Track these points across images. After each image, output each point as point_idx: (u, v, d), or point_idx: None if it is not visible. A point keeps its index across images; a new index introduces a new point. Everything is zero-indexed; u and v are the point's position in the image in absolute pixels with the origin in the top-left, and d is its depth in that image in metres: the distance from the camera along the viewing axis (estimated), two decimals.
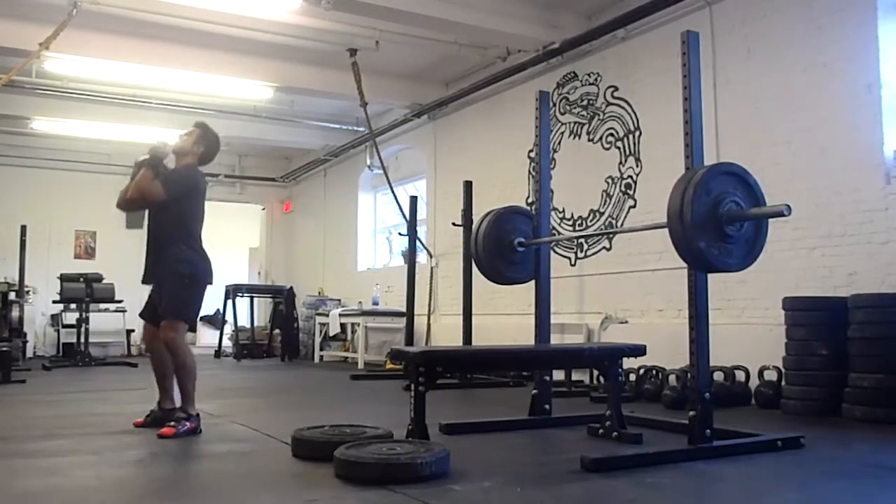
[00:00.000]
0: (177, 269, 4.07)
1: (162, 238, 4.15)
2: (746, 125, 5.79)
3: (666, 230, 3.21)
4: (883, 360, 4.38)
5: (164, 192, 4.08)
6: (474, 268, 4.79)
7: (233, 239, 14.51)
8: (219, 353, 11.33)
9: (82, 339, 9.58)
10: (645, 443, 3.66)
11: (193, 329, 4.19)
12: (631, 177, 6.84)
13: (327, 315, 10.31)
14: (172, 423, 3.92)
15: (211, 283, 4.24)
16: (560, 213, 7.59)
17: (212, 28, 7.60)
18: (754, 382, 5.20)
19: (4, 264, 10.64)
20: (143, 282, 4.30)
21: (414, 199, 7.81)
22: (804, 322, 4.79)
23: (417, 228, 8.04)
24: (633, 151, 6.84)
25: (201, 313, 4.39)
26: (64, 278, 9.79)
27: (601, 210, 7.15)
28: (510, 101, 8.39)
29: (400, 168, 10.85)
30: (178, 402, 4.15)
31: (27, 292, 10.02)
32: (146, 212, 4.35)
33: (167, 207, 4.12)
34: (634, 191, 6.79)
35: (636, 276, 6.61)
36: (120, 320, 11.78)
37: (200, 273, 4.16)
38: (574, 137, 7.55)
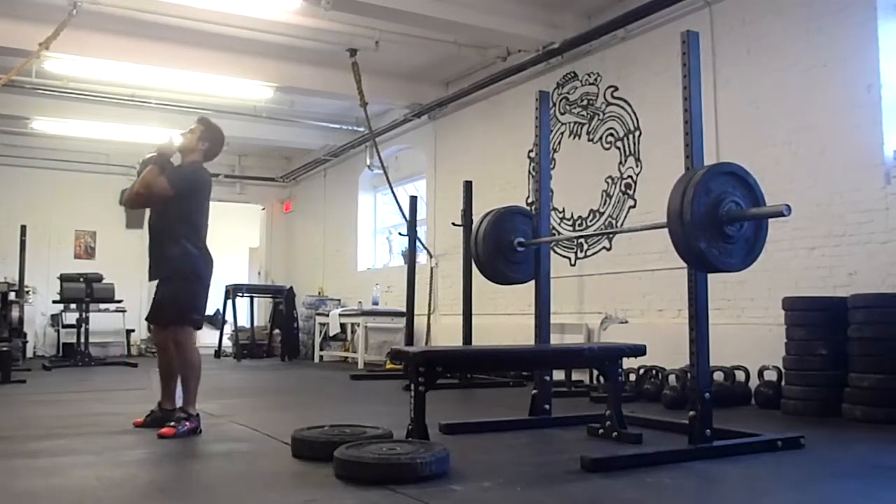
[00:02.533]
0: (179, 267, 4.07)
1: (166, 234, 4.15)
2: (746, 125, 5.79)
3: (666, 230, 3.21)
4: (883, 360, 4.38)
5: (171, 188, 4.09)
6: (474, 268, 4.79)
7: (233, 239, 14.49)
8: (219, 353, 11.33)
9: (82, 339, 9.58)
10: (645, 443, 3.66)
11: (199, 327, 4.19)
12: (631, 177, 6.84)
13: (327, 315, 10.31)
14: (172, 423, 3.92)
15: (209, 281, 4.24)
16: (560, 213, 7.59)
17: (212, 28, 7.59)
18: (754, 382, 5.20)
19: (4, 264, 10.64)
20: (151, 279, 4.30)
21: (414, 199, 7.81)
22: (804, 322, 4.79)
23: (417, 228, 8.04)
24: (633, 151, 6.84)
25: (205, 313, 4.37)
26: (64, 278, 9.79)
27: (601, 210, 7.15)
28: (510, 101, 8.39)
29: (400, 168, 10.85)
30: (178, 403, 4.15)
31: (27, 292, 10.02)
32: (146, 211, 4.35)
33: (172, 204, 4.12)
34: (634, 191, 6.79)
35: (636, 276, 6.61)
36: (120, 320, 11.78)
37: (202, 270, 4.16)
38: (574, 137, 7.55)
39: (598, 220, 7.18)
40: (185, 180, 4.18)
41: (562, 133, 7.68)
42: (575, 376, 6.54)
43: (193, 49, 8.19)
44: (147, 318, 4.39)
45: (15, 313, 8.75)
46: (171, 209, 4.14)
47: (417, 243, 8.39)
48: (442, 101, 9.36)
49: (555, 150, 7.63)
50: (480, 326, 7.36)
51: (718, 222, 3.17)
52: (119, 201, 4.49)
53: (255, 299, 12.77)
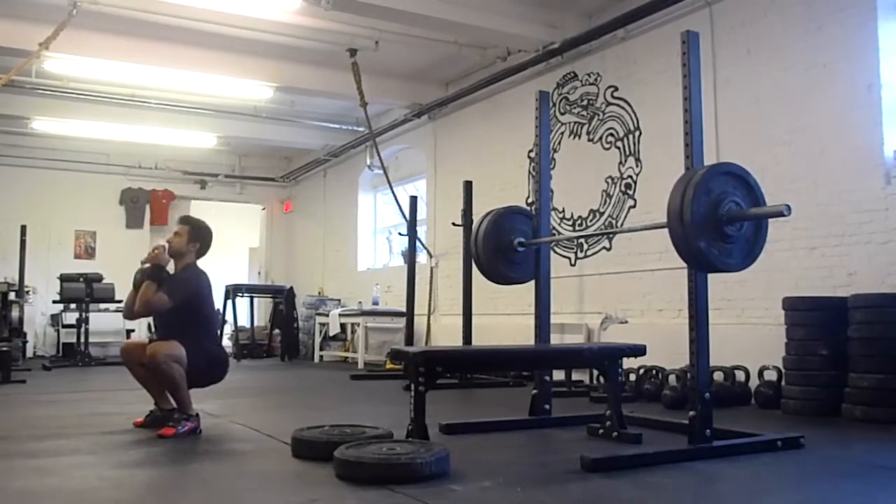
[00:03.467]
0: (198, 346, 4.06)
1: (178, 336, 4.06)
2: (746, 125, 5.79)
3: (666, 230, 3.21)
4: (883, 360, 4.38)
5: (169, 300, 4.06)
6: (474, 268, 4.79)
7: (233, 239, 14.49)
8: None
9: (82, 339, 9.58)
10: (645, 443, 3.65)
11: (190, 383, 4.03)
12: (631, 177, 6.84)
13: (327, 315, 10.31)
14: (172, 423, 3.92)
15: (223, 375, 4.26)
16: (560, 213, 7.59)
17: (212, 28, 7.59)
18: (754, 382, 5.20)
19: (4, 264, 10.64)
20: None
21: (414, 199, 7.81)
22: (804, 322, 4.79)
23: (417, 228, 8.04)
24: (633, 151, 6.84)
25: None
26: (64, 278, 9.79)
27: (601, 210, 7.15)
28: (510, 101, 8.39)
29: (400, 168, 10.85)
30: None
31: (27, 292, 10.01)
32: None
33: (176, 312, 4.10)
34: (634, 191, 6.79)
35: (636, 276, 6.61)
36: (120, 320, 11.73)
37: (221, 359, 4.23)
38: (574, 137, 7.55)
39: (598, 220, 7.18)
40: (182, 289, 4.15)
41: (562, 133, 7.69)
42: (575, 376, 6.54)
43: (193, 49, 8.20)
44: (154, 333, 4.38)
45: (15, 313, 8.75)
46: (177, 316, 4.12)
47: (417, 243, 8.39)
48: (442, 101, 9.37)
49: (555, 150, 7.63)
50: (480, 326, 7.36)
51: (718, 222, 3.17)
52: (123, 315, 4.48)
53: (255, 299, 12.78)
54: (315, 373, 8.90)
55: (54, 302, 10.30)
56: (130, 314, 4.30)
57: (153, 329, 4.36)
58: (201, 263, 4.36)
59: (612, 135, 7.09)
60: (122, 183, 12.83)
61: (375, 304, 9.96)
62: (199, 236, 4.33)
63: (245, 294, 12.04)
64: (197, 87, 9.20)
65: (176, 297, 4.08)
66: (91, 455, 3.44)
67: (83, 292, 9.65)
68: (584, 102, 7.44)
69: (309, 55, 8.46)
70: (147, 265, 4.18)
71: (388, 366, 8.37)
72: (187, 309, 4.12)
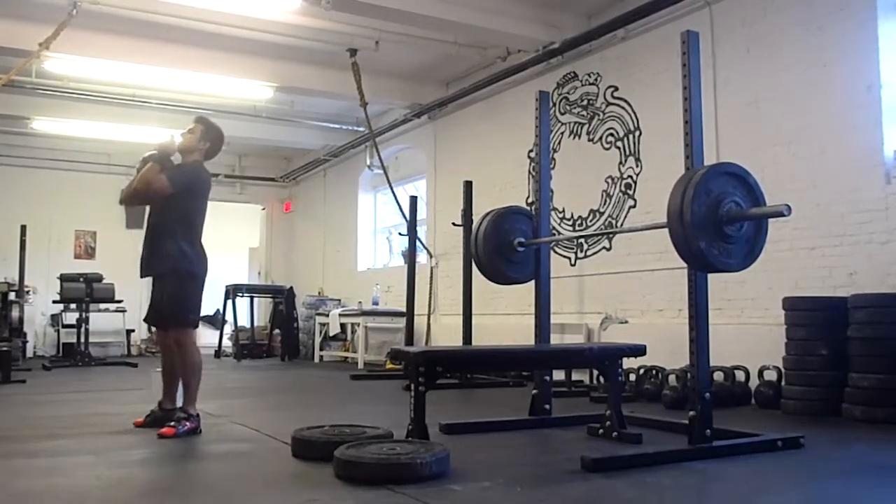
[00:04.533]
0: (174, 265, 4.08)
1: (162, 231, 4.14)
2: (746, 125, 5.79)
3: (666, 230, 3.21)
4: (883, 360, 4.38)
5: (170, 185, 4.08)
6: (474, 268, 4.79)
7: (233, 239, 14.49)
8: (219, 353, 11.33)
9: (82, 339, 9.58)
10: (645, 443, 3.65)
11: (196, 326, 4.19)
12: (631, 177, 6.84)
13: (327, 315, 10.31)
14: (172, 423, 3.92)
15: (204, 279, 4.24)
16: (560, 213, 7.59)
17: (212, 28, 7.59)
18: (754, 382, 5.20)
19: (4, 264, 10.64)
20: (143, 275, 4.30)
21: (414, 199, 7.81)
22: (804, 322, 4.79)
23: (417, 228, 8.04)
24: (633, 151, 6.84)
25: (202, 312, 4.37)
26: (64, 278, 9.79)
27: (601, 210, 7.15)
28: (510, 101, 8.39)
29: (400, 168, 10.85)
30: (179, 403, 4.15)
31: (27, 292, 10.01)
32: (147, 210, 4.34)
33: (171, 202, 4.11)
34: (634, 191, 6.79)
35: (636, 276, 6.61)
36: (120, 320, 11.79)
37: (197, 269, 4.16)
38: (574, 137, 7.55)
39: (598, 220, 7.18)
40: (185, 179, 4.18)
41: (562, 133, 7.69)
42: (575, 376, 6.53)
43: (193, 49, 8.20)
44: (145, 320, 4.40)
45: (15, 313, 8.75)
46: (170, 207, 4.14)
47: (417, 243, 8.39)
48: (442, 101, 9.37)
49: (555, 150, 7.63)
50: (480, 326, 7.36)
51: (718, 222, 3.17)
52: (119, 200, 4.47)
53: (255, 299, 12.77)
54: (315, 373, 8.90)
55: (54, 302, 10.30)
56: (127, 195, 4.30)
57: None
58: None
59: (612, 135, 7.09)
60: (123, 183, 12.60)
61: (375, 304, 9.96)
62: (211, 136, 4.36)
63: (245, 294, 12.04)
64: (197, 87, 9.20)
65: (177, 186, 4.09)
66: (91, 455, 3.44)
67: (83, 292, 9.65)
68: (584, 102, 7.44)
69: (309, 55, 8.46)
70: (154, 152, 4.17)
71: (388, 366, 8.37)
72: (182, 203, 4.11)
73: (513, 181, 8.20)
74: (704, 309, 3.51)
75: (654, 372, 5.62)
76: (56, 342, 11.75)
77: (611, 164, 7.05)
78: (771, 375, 5.08)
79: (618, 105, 7.04)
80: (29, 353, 10.79)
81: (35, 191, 12.00)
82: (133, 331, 12.18)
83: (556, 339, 5.88)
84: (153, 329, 4.56)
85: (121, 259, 11.00)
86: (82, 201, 12.36)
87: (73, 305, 10.11)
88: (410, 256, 8.03)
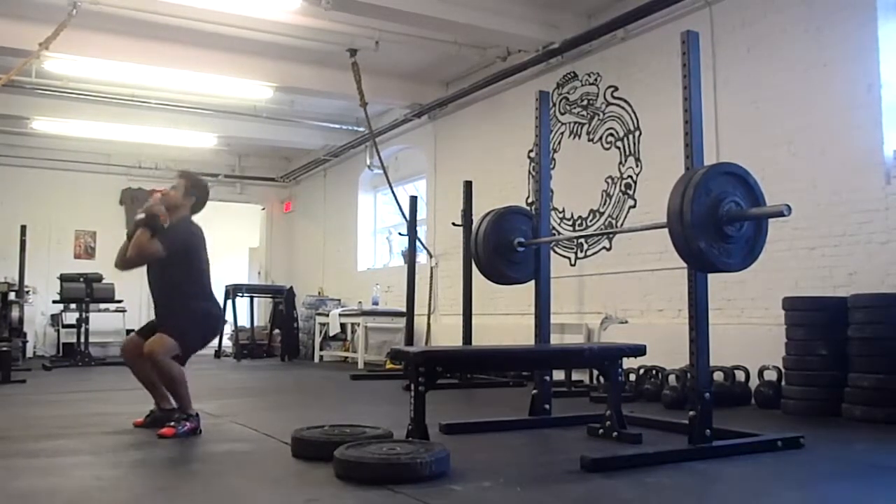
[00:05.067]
0: (191, 306, 4.07)
1: (175, 294, 4.09)
2: (746, 125, 5.79)
3: (666, 230, 3.21)
4: (883, 360, 4.38)
5: (163, 249, 4.06)
6: (474, 268, 4.79)
7: (233, 239, 14.50)
8: (219, 353, 11.33)
9: (82, 339, 9.58)
10: (645, 443, 3.65)
11: (183, 357, 4.05)
12: (631, 177, 6.84)
13: (327, 315, 10.31)
14: (172, 423, 3.92)
15: (217, 332, 4.29)
16: (560, 213, 7.59)
17: (212, 28, 7.60)
18: (754, 382, 5.20)
19: (4, 264, 10.62)
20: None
21: (414, 199, 7.81)
22: (804, 322, 4.78)
23: (417, 228, 8.04)
24: (633, 151, 6.84)
25: (189, 352, 4.21)
26: (64, 278, 9.79)
27: (601, 210, 7.15)
28: (510, 101, 8.39)
29: (400, 168, 10.85)
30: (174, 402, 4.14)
31: (27, 292, 10.00)
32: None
33: (172, 264, 4.10)
34: (634, 191, 6.79)
35: (636, 276, 6.61)
36: (120, 320, 11.77)
37: (215, 316, 4.25)
38: (574, 137, 7.55)
39: (598, 220, 7.18)
40: (176, 240, 4.14)
41: (562, 133, 7.69)
42: (575, 376, 6.54)
43: (193, 49, 8.20)
44: (136, 331, 4.33)
45: (15, 313, 8.74)
46: (171, 269, 4.11)
47: (417, 243, 8.39)
48: (442, 101, 9.37)
49: (555, 150, 7.63)
50: (480, 326, 7.36)
51: (718, 222, 3.17)
52: (114, 264, 4.46)
53: (255, 299, 12.78)
54: (315, 373, 8.90)
55: (54, 302, 10.30)
56: (122, 262, 4.27)
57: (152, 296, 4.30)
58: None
59: (612, 135, 7.09)
60: (123, 183, 12.83)
61: (375, 304, 9.96)
62: (196, 190, 4.35)
63: (245, 294, 12.05)
64: (197, 87, 9.20)
65: (170, 248, 4.07)
66: (91, 455, 3.44)
67: (83, 292, 9.65)
68: (584, 102, 7.44)
69: (309, 55, 8.47)
70: (142, 215, 4.16)
71: (388, 366, 8.37)
72: (179, 262, 4.10)
73: (513, 181, 8.20)
74: (704, 309, 3.50)
75: (654, 372, 5.62)
76: (56, 342, 11.75)
77: (611, 164, 7.05)
78: (771, 375, 5.08)
79: (618, 105, 7.04)
80: (29, 353, 10.79)
81: (35, 191, 12.00)
82: (133, 331, 12.13)
83: (556, 339, 5.88)
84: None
85: None
86: (82, 201, 12.37)
87: (73, 305, 10.10)
88: (410, 256, 8.03)
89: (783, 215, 3.15)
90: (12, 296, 8.72)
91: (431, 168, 9.88)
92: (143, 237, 4.07)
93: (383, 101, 9.66)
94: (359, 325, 9.56)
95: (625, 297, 6.72)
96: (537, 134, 4.67)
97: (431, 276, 9.43)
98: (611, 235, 6.99)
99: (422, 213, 8.77)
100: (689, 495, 2.83)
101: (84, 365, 9.29)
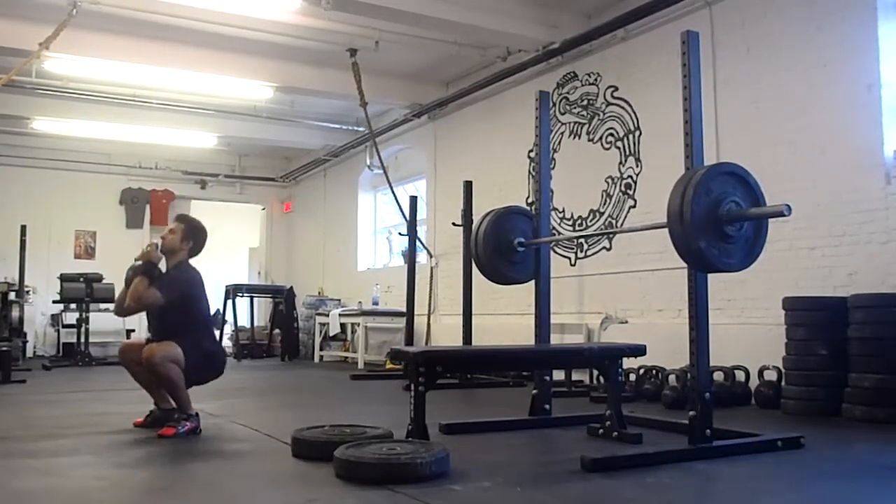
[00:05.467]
0: (193, 346, 4.05)
1: (171, 337, 4.05)
2: (746, 125, 5.79)
3: (666, 230, 3.21)
4: (883, 360, 4.38)
5: (161, 296, 4.05)
6: (474, 268, 4.79)
7: (233, 239, 14.51)
8: None
9: (82, 339, 9.58)
10: (645, 443, 3.65)
11: (186, 383, 4.03)
12: (631, 177, 6.84)
13: (327, 315, 10.31)
14: (172, 423, 3.92)
15: (221, 371, 4.27)
16: (560, 213, 7.59)
17: (212, 28, 7.60)
18: (754, 382, 5.20)
19: (4, 264, 10.63)
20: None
21: (414, 199, 7.81)
22: (804, 322, 4.78)
23: (417, 228, 8.04)
24: (633, 151, 6.84)
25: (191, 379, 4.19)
26: (64, 278, 9.79)
27: (601, 210, 7.15)
28: (510, 101, 8.39)
29: (400, 168, 10.85)
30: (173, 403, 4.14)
31: (27, 292, 10.01)
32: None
33: (169, 309, 4.09)
34: (634, 191, 6.79)
35: (636, 276, 6.61)
36: (120, 320, 11.74)
37: (219, 355, 4.26)
38: (574, 137, 7.55)
39: (598, 220, 7.18)
40: (174, 286, 4.13)
41: (562, 133, 7.68)
42: (575, 376, 6.54)
43: (193, 49, 8.20)
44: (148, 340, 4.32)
45: (15, 313, 8.75)
46: (170, 314, 4.10)
47: (417, 243, 8.39)
48: (442, 101, 9.36)
49: (555, 150, 7.63)
50: (480, 326, 7.36)
51: (718, 222, 3.17)
52: (114, 312, 4.46)
53: (255, 299, 12.77)
54: (315, 373, 8.90)
55: (54, 302, 10.29)
56: (121, 310, 4.29)
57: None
58: (198, 262, 4.35)
59: (612, 135, 7.09)
60: (123, 183, 12.83)
61: (375, 304, 9.96)
62: (194, 235, 4.32)
63: (245, 294, 12.04)
64: (197, 87, 9.19)
65: (167, 294, 4.07)
66: (91, 455, 3.44)
67: (83, 292, 9.65)
68: (584, 102, 7.44)
69: (309, 55, 8.46)
70: (139, 262, 4.16)
71: (388, 366, 8.37)
72: (179, 307, 4.10)
73: (513, 181, 8.20)
74: (704, 309, 3.51)
75: (654, 372, 5.62)
76: (56, 342, 11.74)
77: (611, 164, 7.05)
78: (771, 375, 5.08)
79: (618, 105, 7.04)
80: (29, 353, 10.79)
81: (35, 191, 11.99)
82: (133, 331, 12.14)
83: (556, 339, 5.88)
84: (145, 335, 4.48)
85: (121, 259, 10.98)
86: (82, 201, 12.36)
87: (73, 305, 10.10)
88: (410, 256, 8.03)
89: (783, 215, 3.15)
90: (12, 296, 8.74)
91: (431, 168, 9.88)
92: (140, 286, 4.07)
93: (383, 101, 9.65)
94: (359, 325, 9.56)
95: (625, 297, 6.72)
96: (537, 134, 4.67)
97: (431, 276, 9.43)
98: (611, 235, 6.99)
99: (422, 213, 8.77)
100: (690, 495, 2.83)
101: (84, 365, 9.30)
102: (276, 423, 4.26)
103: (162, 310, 4.11)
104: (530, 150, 7.78)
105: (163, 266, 4.26)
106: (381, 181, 10.20)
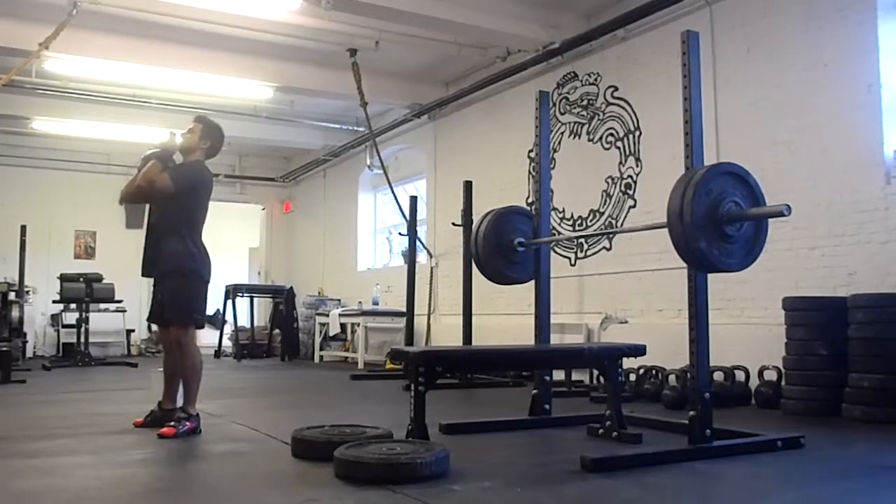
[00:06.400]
0: (179, 264, 4.07)
1: (164, 231, 4.14)
2: (746, 125, 5.79)
3: (666, 230, 3.21)
4: (883, 360, 4.38)
5: (174, 185, 4.07)
6: (474, 268, 4.79)
7: (233, 239, 14.49)
8: (219, 353, 11.33)
9: (82, 339, 9.58)
10: (645, 443, 3.66)
11: (201, 326, 4.18)
12: (631, 177, 6.84)
13: (327, 315, 10.31)
14: (172, 423, 3.92)
15: (209, 280, 4.23)
16: (560, 213, 7.59)
17: (212, 28, 7.60)
18: (754, 382, 5.20)
19: (4, 264, 10.64)
20: (143, 274, 4.30)
21: (414, 199, 7.81)
22: (804, 322, 4.78)
23: (417, 228, 8.04)
24: (633, 151, 6.84)
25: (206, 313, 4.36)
26: (64, 278, 9.78)
27: (601, 210, 7.15)
28: (510, 101, 8.39)
29: (400, 168, 10.85)
30: (179, 403, 4.15)
31: (27, 292, 10.01)
32: (147, 208, 4.34)
33: (173, 201, 4.10)
34: (634, 191, 6.79)
35: (636, 276, 6.61)
36: (120, 320, 11.79)
37: (203, 269, 4.16)
38: (574, 137, 7.55)
39: (598, 220, 7.18)
40: (187, 178, 4.17)
41: (562, 133, 7.68)
42: (575, 376, 6.53)
43: (193, 49, 8.20)
44: (148, 319, 4.40)
45: (15, 313, 8.75)
46: (172, 207, 4.13)
47: (417, 243, 8.39)
48: (442, 101, 9.37)
49: (555, 150, 7.63)
50: (480, 326, 7.36)
51: (718, 222, 3.17)
52: (119, 199, 4.46)
53: (255, 299, 12.77)
54: (315, 373, 8.91)
55: (54, 302, 10.29)
56: (130, 194, 4.29)
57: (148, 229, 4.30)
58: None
59: (612, 135, 7.09)
60: (122, 183, 12.70)
61: (375, 304, 9.96)
62: (212, 135, 4.33)
63: (245, 294, 12.04)
64: (197, 87, 9.20)
65: (180, 185, 4.07)
66: (91, 455, 3.44)
67: (83, 292, 9.64)
68: (584, 102, 7.44)
69: (309, 55, 8.46)
70: (157, 150, 4.14)
71: (388, 366, 8.37)
72: (184, 202, 4.10)
73: (513, 181, 8.20)
74: (704, 309, 3.51)
75: (654, 372, 5.62)
76: (56, 342, 11.75)
77: (611, 164, 7.05)
78: (771, 375, 5.08)
79: (618, 105, 7.04)
80: (29, 353, 10.79)
81: (35, 191, 12.00)
82: (133, 331, 12.18)
83: (556, 339, 5.88)
84: (153, 328, 4.52)
85: (121, 259, 11.02)
86: (82, 201, 12.36)
87: (73, 305, 10.10)
88: (410, 256, 8.03)
89: (783, 215, 3.15)
90: (12, 296, 8.74)
91: (431, 168, 9.88)
92: (154, 169, 4.08)
93: (383, 101, 9.65)
94: (359, 325, 9.56)
95: (625, 297, 6.72)
96: (537, 134, 4.67)
97: (431, 276, 9.43)
98: (611, 235, 6.99)
99: (422, 213, 8.77)
100: (690, 495, 2.83)
101: (84, 365, 9.29)
102: (275, 423, 4.26)
103: (166, 202, 4.10)
104: (530, 150, 7.79)
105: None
106: (381, 181, 10.20)
